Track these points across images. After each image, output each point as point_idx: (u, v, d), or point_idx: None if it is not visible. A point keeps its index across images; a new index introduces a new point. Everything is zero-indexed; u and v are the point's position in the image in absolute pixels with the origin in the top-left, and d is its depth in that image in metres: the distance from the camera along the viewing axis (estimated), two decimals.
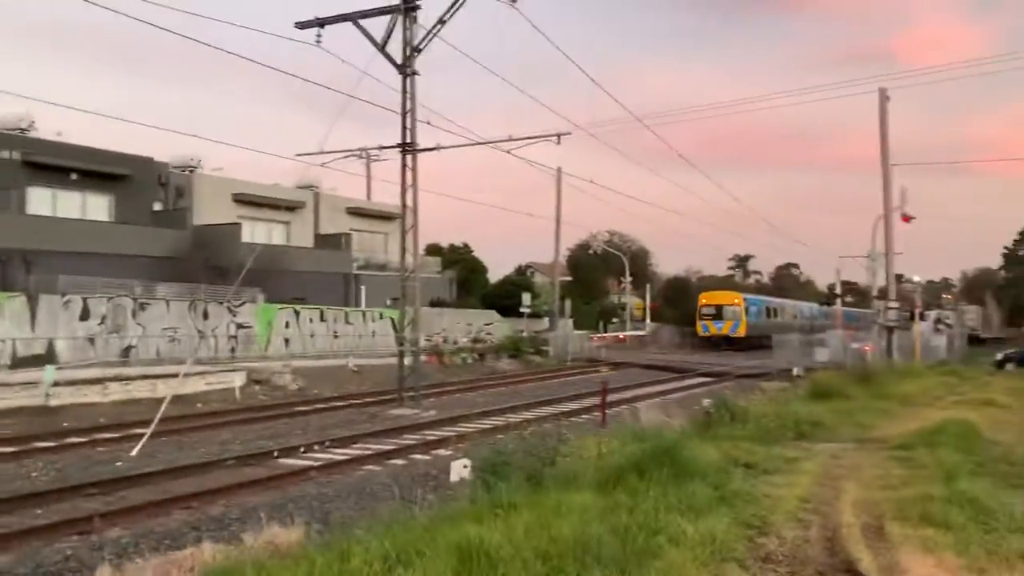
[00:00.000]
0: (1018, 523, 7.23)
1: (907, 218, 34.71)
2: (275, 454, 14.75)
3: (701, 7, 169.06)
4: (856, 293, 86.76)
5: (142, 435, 15.49)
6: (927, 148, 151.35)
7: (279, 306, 34.50)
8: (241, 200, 42.33)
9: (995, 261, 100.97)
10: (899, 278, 51.97)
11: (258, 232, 41.29)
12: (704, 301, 56.54)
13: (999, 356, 37.17)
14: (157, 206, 40.22)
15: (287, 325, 34.34)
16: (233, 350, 31.46)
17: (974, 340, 54.83)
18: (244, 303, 32.24)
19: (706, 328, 54.53)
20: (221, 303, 30.99)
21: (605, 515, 6.54)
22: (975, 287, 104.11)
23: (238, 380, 24.80)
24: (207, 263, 36.38)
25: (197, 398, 22.76)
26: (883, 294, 35.90)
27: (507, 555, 5.30)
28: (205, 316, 30.57)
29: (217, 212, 40.46)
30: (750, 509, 7.69)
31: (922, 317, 45.78)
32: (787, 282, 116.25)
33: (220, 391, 23.92)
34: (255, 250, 25.84)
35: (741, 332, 53.82)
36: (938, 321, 61.73)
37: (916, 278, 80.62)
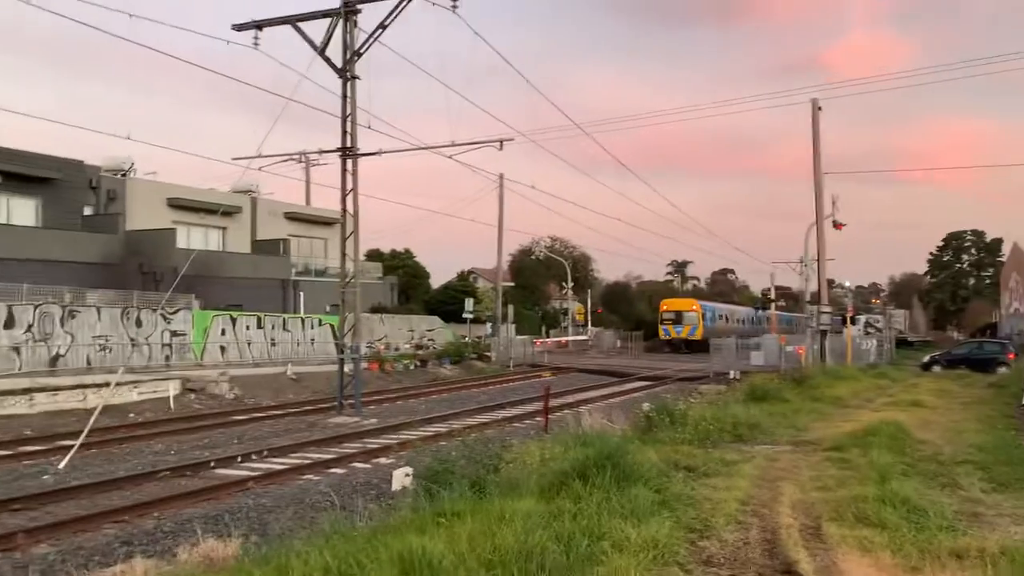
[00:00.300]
0: (948, 522, 7.44)
1: (839, 225, 35.67)
2: (211, 464, 14.40)
3: (640, 18, 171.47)
4: (789, 298, 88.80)
5: (71, 447, 14.96)
6: (858, 157, 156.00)
7: (215, 313, 33.76)
8: (176, 205, 41.39)
9: (921, 267, 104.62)
10: (831, 283, 53.42)
11: (194, 237, 40.42)
12: (665, 307, 60.65)
13: (926, 359, 38.40)
14: (88, 211, 39.05)
15: (223, 332, 33.62)
16: (167, 358, 30.67)
17: (902, 343, 56.55)
18: (179, 310, 31.46)
19: (667, 332, 58.49)
20: (155, 310, 30.20)
21: (549, 522, 6.52)
22: (902, 292, 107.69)
23: (172, 389, 24.17)
24: (140, 269, 35.49)
25: (129, 408, 22.12)
26: (816, 299, 36.79)
27: (450, 565, 5.25)
28: (138, 323, 29.74)
29: (151, 217, 39.48)
30: (691, 512, 7.77)
31: (853, 321, 47.06)
32: (723, 287, 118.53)
33: (153, 400, 23.28)
34: (190, 256, 25.25)
35: (698, 335, 57.53)
36: (868, 325, 63.66)
37: (847, 283, 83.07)
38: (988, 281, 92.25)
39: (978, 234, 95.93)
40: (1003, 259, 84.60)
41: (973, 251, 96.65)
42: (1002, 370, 30.87)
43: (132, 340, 29.28)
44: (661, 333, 59.27)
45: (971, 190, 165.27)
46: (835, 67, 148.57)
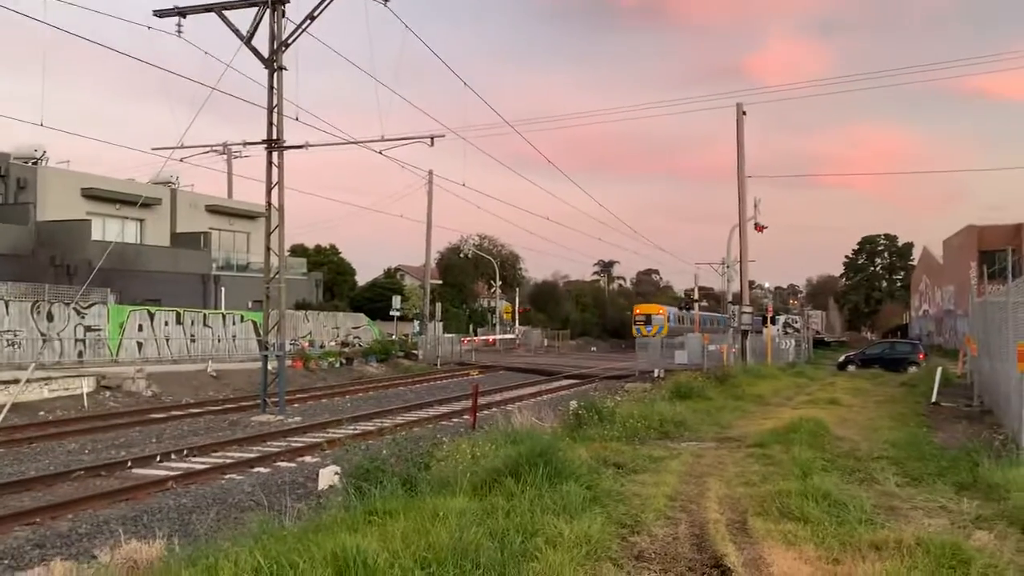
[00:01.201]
0: (867, 515, 7.69)
1: (760, 227, 36.60)
2: (128, 464, 13.93)
3: (567, 19, 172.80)
4: (711, 298, 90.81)
5: None
6: (780, 161, 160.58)
7: (132, 308, 32.65)
8: (91, 195, 39.83)
9: (837, 269, 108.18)
10: (752, 284, 54.83)
11: (110, 229, 38.97)
12: (638, 311, 71.67)
13: (841, 359, 39.71)
14: None
15: (140, 328, 32.53)
16: (81, 354, 29.51)
17: (819, 343, 58.39)
18: (93, 304, 30.30)
19: (639, 331, 65.95)
20: (68, 304, 29.03)
21: (482, 519, 6.50)
22: (819, 293, 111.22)
23: (86, 386, 23.29)
24: (52, 262, 34.08)
25: (40, 406, 21.21)
26: (737, 299, 37.69)
27: (385, 563, 5.17)
28: (49, 318, 28.53)
29: (64, 207, 37.92)
30: (622, 508, 7.85)
31: (772, 321, 48.37)
32: (648, 287, 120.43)
33: (66, 398, 22.39)
34: (106, 248, 24.36)
35: (664, 334, 61.82)
36: (787, 325, 65.55)
37: (766, 284, 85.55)
38: (900, 284, 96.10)
39: (891, 238, 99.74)
40: (914, 263, 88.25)
41: (886, 255, 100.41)
42: (913, 369, 32.15)
43: (43, 335, 28.09)
44: (634, 332, 66.96)
45: (885, 196, 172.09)
46: (756, 73, 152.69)
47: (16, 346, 27.15)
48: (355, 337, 45.65)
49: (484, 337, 60.29)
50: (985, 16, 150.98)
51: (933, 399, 20.09)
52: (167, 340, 33.61)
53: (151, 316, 33.08)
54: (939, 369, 23.12)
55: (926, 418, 16.87)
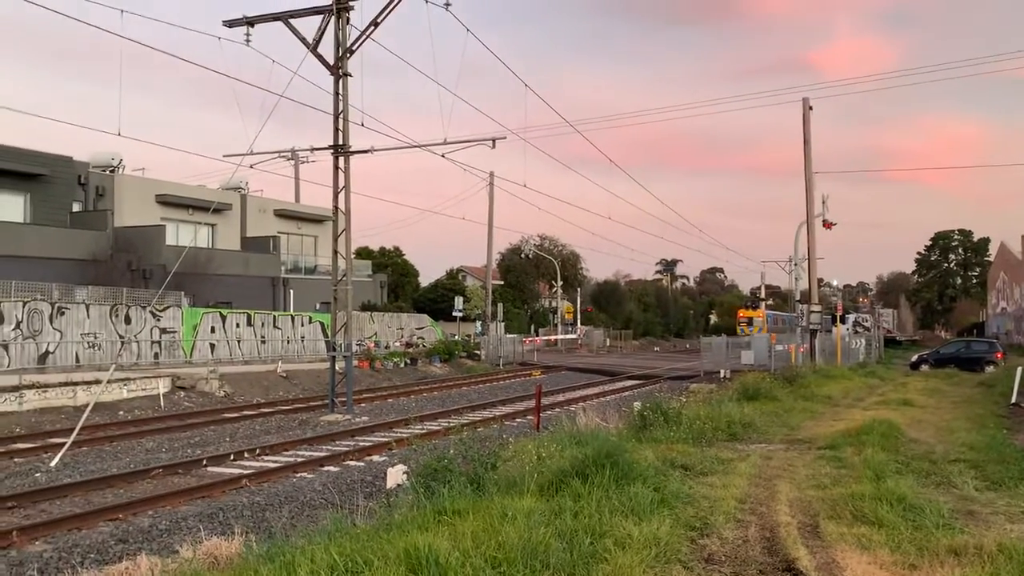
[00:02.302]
0: (945, 520, 7.49)
1: (828, 224, 35.81)
2: (204, 462, 14.34)
3: (631, 15, 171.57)
4: (779, 296, 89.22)
5: (62, 445, 14.89)
6: (847, 157, 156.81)
7: (204, 310, 33.62)
8: (165, 202, 41.18)
9: (909, 266, 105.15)
10: (820, 282, 53.68)
11: (183, 234, 40.21)
12: (741, 315, 77.80)
13: (914, 358, 38.62)
14: (76, 207, 38.81)
15: (213, 330, 33.48)
16: (157, 356, 30.52)
17: (890, 342, 56.90)
18: (168, 307, 31.30)
19: (743, 331, 69.73)
20: (144, 307, 30.04)
21: (550, 519, 6.54)
22: (890, 290, 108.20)
23: (162, 387, 24.07)
24: (129, 266, 35.31)
25: (120, 406, 22.01)
26: (806, 298, 36.95)
27: (456, 562, 5.25)
28: (127, 321, 29.57)
29: (140, 214, 39.29)
30: (690, 510, 7.80)
31: (842, 320, 47.28)
32: (712, 286, 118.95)
33: (144, 398, 23.18)
34: (180, 253, 25.13)
35: (764, 333, 63.44)
36: (857, 324, 63.98)
37: (835, 282, 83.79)
38: (975, 280, 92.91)
39: (965, 234, 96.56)
40: (990, 259, 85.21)
41: (960, 251, 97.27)
42: (990, 369, 31.10)
43: (121, 337, 29.12)
44: (738, 332, 70.30)
45: (958, 190, 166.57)
46: (823, 67, 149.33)
47: (97, 348, 28.21)
48: (419, 337, 46.17)
49: (546, 337, 60.34)
50: None
51: (1013, 400, 19.42)
52: (238, 341, 34.51)
53: (223, 318, 34.01)
54: (1019, 369, 22.30)
55: (1005, 420, 16.33)
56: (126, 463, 14.53)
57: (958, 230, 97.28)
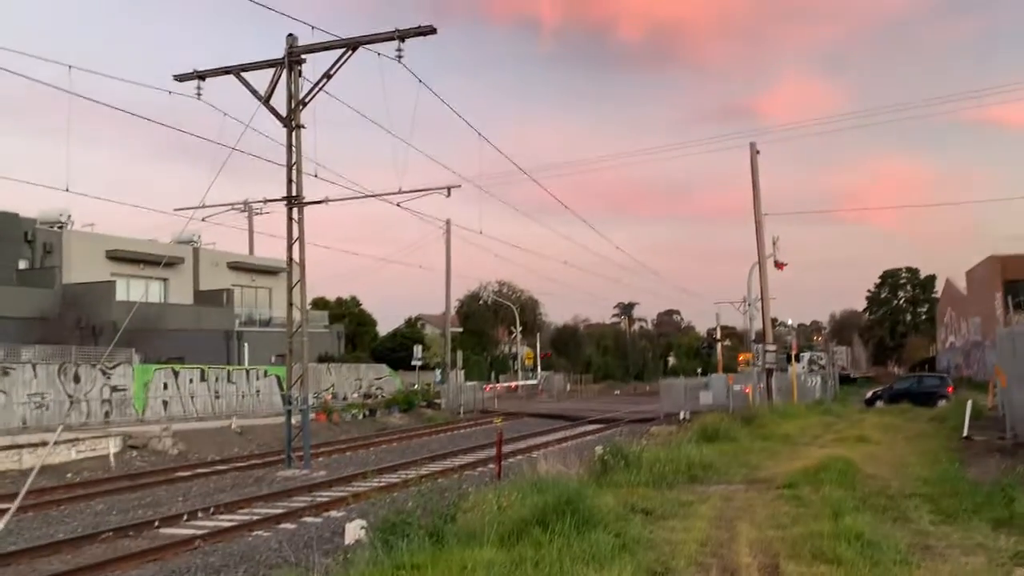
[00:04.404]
0: (902, 555, 7.57)
1: (780, 265, 36.44)
2: (156, 524, 13.92)
3: (574, 65, 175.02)
4: (734, 337, 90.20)
5: (6, 510, 14.30)
6: (797, 198, 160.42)
7: (156, 366, 32.92)
8: (115, 257, 40.51)
9: (860, 303, 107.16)
10: (774, 322, 54.47)
11: (134, 290, 39.49)
12: (741, 359, 75.30)
13: (868, 394, 39.20)
14: (23, 264, 37.99)
15: (165, 386, 32.75)
16: (107, 415, 29.71)
17: (845, 379, 57.71)
18: (118, 364, 30.58)
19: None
20: (94, 365, 29.30)
21: (511, 570, 6.46)
22: (843, 328, 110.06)
23: (113, 446, 23.40)
24: (78, 324, 34.52)
25: (68, 467, 21.32)
26: (760, 338, 37.40)
27: None
28: (76, 380, 28.80)
29: (89, 270, 38.57)
30: (651, 555, 7.76)
31: (797, 359, 47.90)
32: (669, 328, 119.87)
33: (93, 459, 22.49)
34: (130, 308, 24.64)
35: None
36: (812, 362, 64.82)
37: (789, 321, 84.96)
38: (924, 316, 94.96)
39: (912, 271, 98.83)
40: (937, 295, 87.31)
41: (908, 288, 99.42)
42: (942, 403, 31.68)
43: (70, 397, 28.33)
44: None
45: (905, 229, 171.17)
46: (769, 111, 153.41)
47: (44, 408, 27.39)
48: (377, 388, 45.69)
49: (506, 384, 60.14)
50: (997, 46, 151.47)
51: (964, 433, 19.77)
52: (192, 397, 33.80)
53: (175, 374, 33.32)
54: (969, 402, 22.76)
55: (958, 453, 16.60)
56: (73, 527, 14.04)
57: (906, 268, 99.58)
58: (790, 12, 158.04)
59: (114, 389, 30.35)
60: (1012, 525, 8.91)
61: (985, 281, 54.88)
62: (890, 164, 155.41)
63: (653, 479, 12.61)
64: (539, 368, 68.46)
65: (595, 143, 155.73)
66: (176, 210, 30.98)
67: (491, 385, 54.47)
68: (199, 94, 22.14)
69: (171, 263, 42.59)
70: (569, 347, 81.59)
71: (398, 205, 24.64)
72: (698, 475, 13.64)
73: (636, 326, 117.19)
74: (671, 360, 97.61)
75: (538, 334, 74.52)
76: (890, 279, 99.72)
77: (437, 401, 42.72)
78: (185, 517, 14.52)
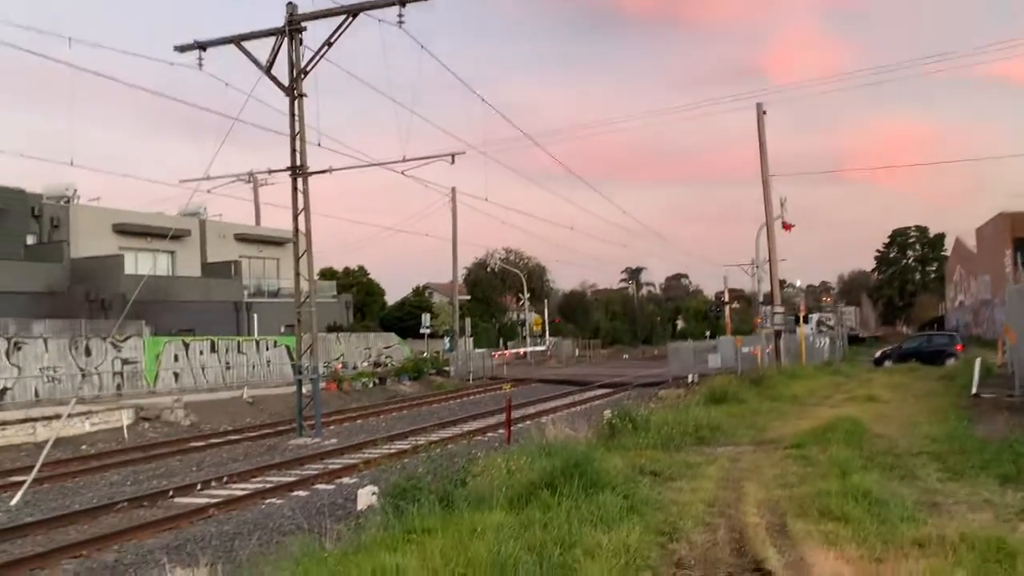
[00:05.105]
0: (909, 512, 7.60)
1: (788, 226, 36.25)
2: (170, 493, 14.11)
3: (579, 29, 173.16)
4: (743, 299, 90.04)
5: (22, 483, 14.53)
6: (804, 159, 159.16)
7: (167, 339, 33.12)
8: (122, 231, 40.56)
9: (869, 264, 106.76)
10: (782, 284, 54.36)
11: (142, 263, 39.59)
12: (757, 322, 78.55)
13: (877, 354, 39.21)
14: (31, 239, 38.10)
15: (176, 358, 32.98)
16: (119, 387, 29.97)
17: (854, 340, 57.65)
18: (129, 337, 30.79)
19: None
20: (104, 339, 29.51)
21: (520, 533, 6.52)
22: (851, 289, 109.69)
23: (126, 418, 23.64)
24: (88, 297, 34.71)
25: (82, 440, 21.56)
26: (769, 300, 37.36)
27: None
28: (87, 353, 29.02)
29: (97, 244, 38.64)
30: (659, 516, 7.82)
31: (806, 320, 47.84)
32: (678, 292, 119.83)
33: (107, 431, 22.74)
34: (139, 282, 24.75)
35: None
36: (820, 323, 64.76)
37: (797, 283, 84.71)
38: (933, 275, 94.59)
39: (921, 230, 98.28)
40: (946, 254, 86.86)
41: (917, 247, 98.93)
42: (951, 362, 31.66)
43: (82, 370, 28.58)
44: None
45: (913, 188, 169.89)
46: (776, 72, 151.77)
47: (56, 382, 27.65)
48: (387, 356, 45.89)
49: (515, 350, 60.35)
50: (998, 2, 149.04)
51: (973, 391, 19.76)
52: (203, 369, 34.04)
53: (186, 346, 33.53)
54: (978, 360, 22.75)
55: (967, 411, 16.61)
56: (89, 498, 14.22)
57: (915, 226, 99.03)
58: None
59: (125, 362, 30.57)
60: (1019, 481, 8.93)
61: (995, 238, 54.55)
62: (897, 123, 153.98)
63: (661, 441, 12.67)
64: (547, 334, 68.61)
65: (601, 107, 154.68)
66: (181, 182, 31.05)
67: (500, 352, 54.68)
68: (200, 65, 22.03)
69: (178, 236, 42.55)
70: (577, 313, 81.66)
71: (403, 173, 24.64)
72: (706, 437, 13.71)
73: (644, 290, 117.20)
74: (679, 324, 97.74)
75: (546, 300, 74.59)
76: (899, 238, 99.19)
77: (446, 368, 42.92)
78: (199, 487, 14.70)
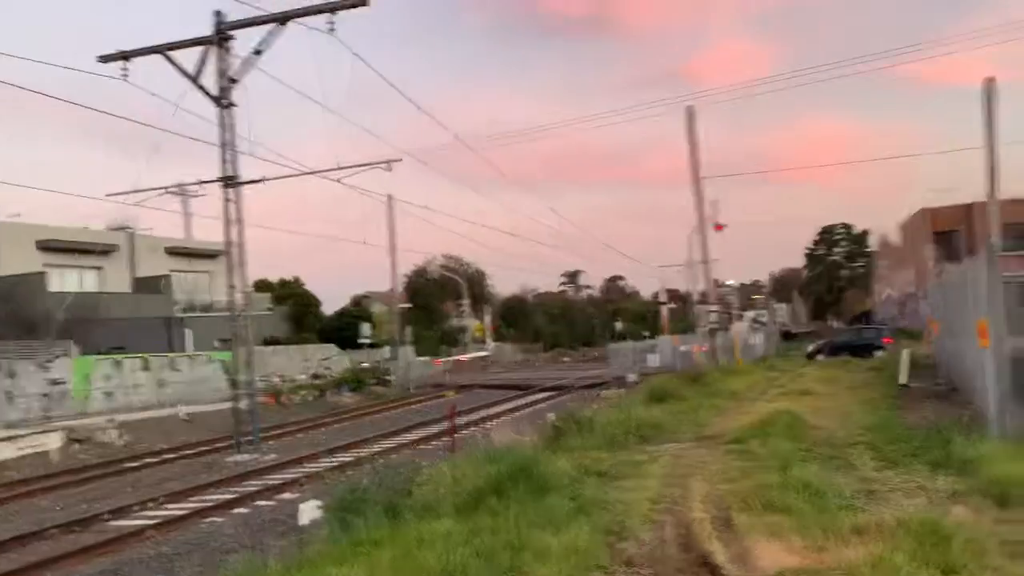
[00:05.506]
0: (847, 501, 7.79)
1: (719, 227, 36.97)
2: (105, 516, 13.67)
3: (513, 34, 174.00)
4: (678, 299, 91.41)
5: None
6: (735, 160, 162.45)
7: (97, 357, 32.08)
8: (47, 247, 39.19)
9: (799, 261, 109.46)
10: (717, 283, 55.42)
11: (68, 280, 38.35)
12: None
13: (810, 348, 40.17)
14: None
15: (107, 377, 31.95)
16: (47, 409, 28.89)
17: (786, 335, 59.07)
18: (57, 357, 29.72)
19: None
20: (30, 359, 28.44)
21: (469, 539, 6.48)
22: (783, 286, 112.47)
23: (54, 441, 22.79)
24: (11, 317, 33.37)
25: (8, 466, 20.71)
26: (704, 299, 38.05)
27: None
28: (11, 375, 27.91)
29: (19, 261, 37.22)
30: (607, 516, 7.86)
31: (740, 318, 48.86)
32: (616, 294, 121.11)
33: (35, 455, 21.88)
34: (64, 299, 23.97)
35: None
36: (754, 320, 66.23)
37: (730, 282, 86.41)
38: (861, 271, 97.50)
39: (848, 227, 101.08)
40: (872, 249, 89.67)
41: (844, 244, 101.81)
42: (879, 354, 32.63)
43: (7, 393, 27.47)
44: None
45: (839, 186, 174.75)
46: (704, 75, 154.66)
47: None
48: (326, 368, 45.24)
49: (457, 357, 60.17)
50: (916, 3, 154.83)
51: (902, 381, 20.40)
52: (135, 387, 33.04)
53: (117, 364, 32.51)
54: (905, 352, 23.51)
55: (896, 400, 17.13)
56: (18, 525, 13.66)
57: (841, 224, 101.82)
58: None
59: (53, 383, 29.49)
60: (949, 466, 9.22)
61: (917, 233, 56.49)
62: (821, 123, 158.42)
63: (605, 441, 12.74)
64: (489, 340, 68.60)
65: (536, 112, 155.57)
66: (108, 195, 30.00)
67: (442, 359, 54.44)
68: (125, 75, 21.48)
69: (106, 251, 41.40)
70: (518, 317, 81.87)
71: (339, 181, 24.37)
72: (649, 435, 13.83)
73: (583, 293, 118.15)
74: (618, 325, 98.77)
75: (487, 306, 74.60)
76: (827, 236, 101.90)
77: (387, 378, 42.52)
78: (135, 508, 14.28)
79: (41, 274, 36.67)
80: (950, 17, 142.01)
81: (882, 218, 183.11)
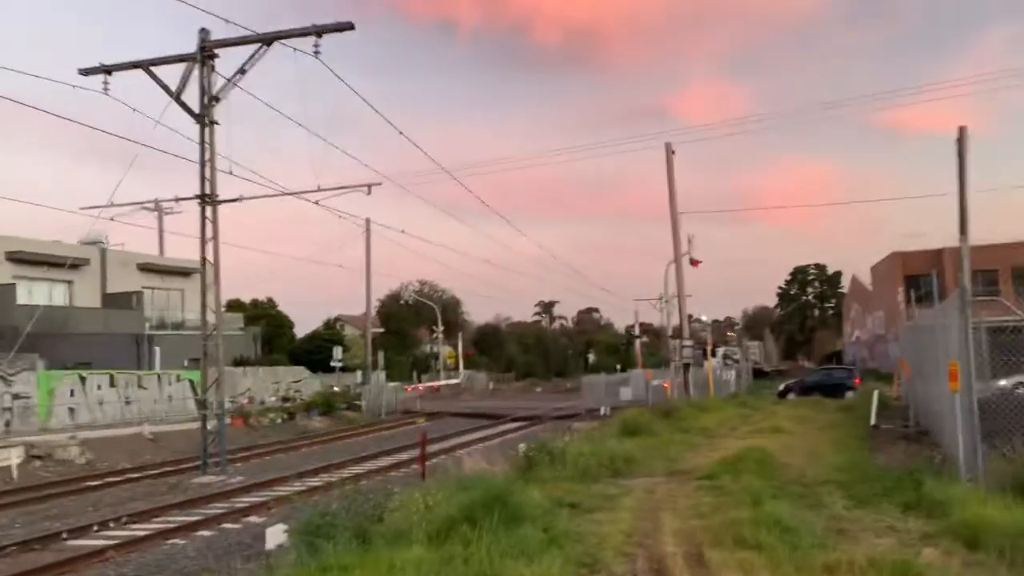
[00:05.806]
0: (818, 539, 7.80)
1: (695, 262, 37.18)
2: (63, 536, 13.34)
3: (498, 65, 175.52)
4: (651, 334, 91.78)
5: None
6: (712, 197, 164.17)
7: (62, 372, 31.53)
8: (16, 259, 38.62)
9: (771, 300, 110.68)
10: (690, 318, 55.72)
11: (37, 293, 37.78)
12: None
13: (781, 387, 40.43)
14: None
15: (72, 393, 31.39)
16: (8, 424, 28.31)
17: (758, 373, 59.43)
18: (21, 371, 29.17)
19: None
20: None
21: (441, 568, 6.41)
22: (755, 324, 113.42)
23: (15, 457, 22.27)
24: None
25: None
26: (677, 334, 38.17)
27: None
28: None
29: None
30: (579, 548, 7.81)
31: (713, 354, 49.11)
32: (589, 326, 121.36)
33: None
34: (32, 312, 23.59)
35: None
36: (726, 357, 66.55)
37: (704, 317, 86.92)
38: (831, 312, 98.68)
39: (820, 268, 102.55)
40: (843, 291, 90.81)
41: (816, 284, 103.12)
42: (850, 394, 32.90)
43: None
44: None
45: (813, 228, 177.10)
46: (683, 113, 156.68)
47: None
48: (296, 391, 44.79)
49: (429, 384, 59.86)
50: (896, 51, 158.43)
51: (872, 422, 20.56)
52: (100, 404, 32.49)
53: (83, 380, 31.98)
54: (875, 393, 23.72)
55: (867, 441, 17.25)
56: None
57: (814, 264, 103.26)
58: (699, 16, 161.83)
59: (16, 397, 28.93)
60: (920, 508, 9.28)
61: (888, 276, 57.35)
62: (797, 165, 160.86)
63: (578, 474, 12.69)
64: (462, 367, 68.38)
65: (515, 143, 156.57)
66: (82, 209, 29.71)
67: (413, 386, 54.13)
68: (106, 89, 21.35)
69: (77, 265, 40.79)
70: (491, 346, 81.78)
71: (316, 203, 24.28)
72: (621, 469, 13.80)
73: (557, 324, 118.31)
74: (591, 357, 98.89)
75: (460, 333, 74.45)
76: (799, 275, 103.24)
77: (358, 403, 42.16)
78: (95, 527, 13.97)
79: (10, 286, 36.10)
80: (925, 66, 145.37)
81: (854, 260, 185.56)
